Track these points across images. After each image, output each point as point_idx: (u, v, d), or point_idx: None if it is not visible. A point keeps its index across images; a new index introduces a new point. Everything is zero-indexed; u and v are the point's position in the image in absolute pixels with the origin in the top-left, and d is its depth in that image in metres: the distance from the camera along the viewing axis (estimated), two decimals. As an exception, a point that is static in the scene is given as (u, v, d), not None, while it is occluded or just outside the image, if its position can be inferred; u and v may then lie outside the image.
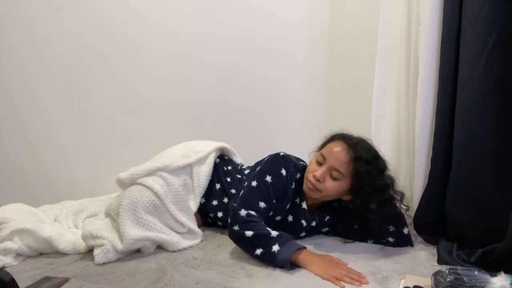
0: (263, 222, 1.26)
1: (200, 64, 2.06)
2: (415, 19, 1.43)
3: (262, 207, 1.30)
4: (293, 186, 1.38)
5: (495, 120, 1.17)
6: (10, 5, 1.96)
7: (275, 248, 1.17)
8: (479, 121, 1.19)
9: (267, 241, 1.19)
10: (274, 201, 1.33)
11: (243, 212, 1.25)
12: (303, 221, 1.40)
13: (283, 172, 1.35)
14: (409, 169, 1.53)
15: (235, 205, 1.28)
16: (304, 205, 1.40)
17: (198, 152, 1.54)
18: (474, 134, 1.21)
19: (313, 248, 1.34)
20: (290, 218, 1.40)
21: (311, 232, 1.45)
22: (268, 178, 1.33)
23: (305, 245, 1.23)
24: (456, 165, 1.28)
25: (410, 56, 1.46)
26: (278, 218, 1.39)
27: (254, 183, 1.33)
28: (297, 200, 1.40)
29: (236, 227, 1.24)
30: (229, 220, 1.26)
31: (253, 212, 1.26)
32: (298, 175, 1.40)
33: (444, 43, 1.32)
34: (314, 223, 1.42)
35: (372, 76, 1.60)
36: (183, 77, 2.07)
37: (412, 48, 1.44)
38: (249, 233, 1.20)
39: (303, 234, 1.43)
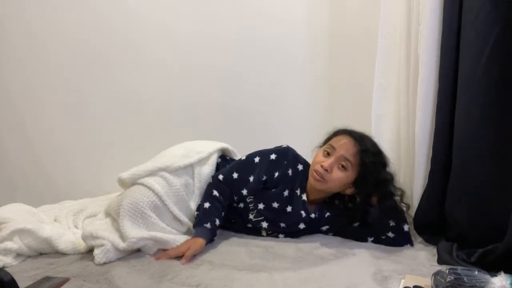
0: (216, 200, 1.41)
1: (200, 64, 2.06)
2: (415, 19, 1.43)
3: (234, 177, 1.43)
4: (290, 174, 1.42)
5: (495, 120, 1.17)
6: (10, 5, 1.97)
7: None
8: (479, 121, 1.19)
9: (200, 216, 1.38)
10: (251, 179, 1.42)
11: (220, 177, 1.44)
12: (302, 212, 1.42)
13: (272, 156, 1.44)
14: (409, 169, 1.53)
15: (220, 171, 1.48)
16: (304, 197, 1.43)
17: (200, 153, 1.53)
18: (474, 134, 1.21)
19: (319, 245, 1.36)
20: (289, 208, 1.42)
21: (311, 226, 1.45)
22: (256, 159, 1.45)
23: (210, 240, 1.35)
24: (456, 165, 1.28)
25: (410, 56, 1.46)
26: (276, 205, 1.42)
27: (242, 158, 1.49)
28: (297, 191, 1.43)
29: (206, 187, 1.46)
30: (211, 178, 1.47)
31: (222, 183, 1.43)
32: (300, 167, 1.45)
33: (444, 43, 1.32)
34: (313, 215, 1.43)
35: (372, 76, 1.60)
36: (183, 77, 2.07)
37: (412, 48, 1.44)
38: (205, 204, 1.39)
39: (302, 226, 1.43)
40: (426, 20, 1.35)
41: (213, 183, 1.45)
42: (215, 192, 1.41)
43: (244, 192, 1.43)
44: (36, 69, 2.01)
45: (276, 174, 1.43)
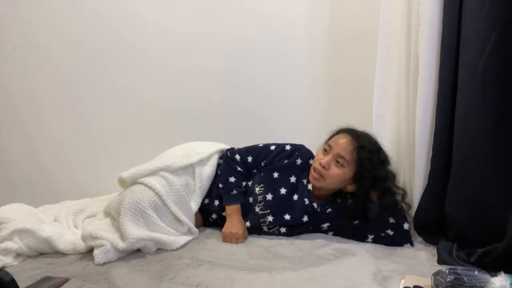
0: (240, 174, 1.54)
1: (201, 64, 2.06)
2: (415, 19, 1.43)
3: (249, 160, 1.54)
4: (298, 163, 1.49)
5: (495, 120, 1.17)
6: (9, 6, 1.97)
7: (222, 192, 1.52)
8: (479, 121, 1.19)
9: (227, 187, 1.51)
10: (263, 162, 1.53)
11: (237, 157, 1.55)
12: (306, 199, 1.45)
13: (287, 147, 1.53)
14: (409, 169, 1.53)
15: (236, 149, 1.58)
16: (309, 187, 1.47)
17: (200, 153, 1.55)
18: (474, 134, 1.21)
19: (319, 245, 1.34)
20: (295, 197, 1.46)
21: (313, 220, 1.46)
22: (272, 147, 1.55)
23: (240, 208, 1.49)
24: (456, 165, 1.28)
25: (410, 56, 1.46)
26: (283, 191, 1.46)
27: (260, 144, 1.58)
28: (304, 181, 1.48)
29: (225, 163, 1.56)
30: (228, 154, 1.57)
31: (239, 161, 1.55)
32: (311, 161, 1.50)
33: (444, 43, 1.32)
34: (315, 205, 1.46)
35: (372, 76, 1.60)
36: (183, 76, 2.07)
37: (412, 48, 1.44)
38: (231, 178, 1.52)
39: (305, 218, 1.45)
40: (426, 20, 1.35)
41: (234, 160, 1.55)
42: (239, 168, 1.53)
43: (254, 171, 1.55)
44: (36, 69, 2.01)
45: (285, 161, 1.50)
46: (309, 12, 2.01)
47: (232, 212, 1.47)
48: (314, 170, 1.42)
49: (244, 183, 1.52)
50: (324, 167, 1.39)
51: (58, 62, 2.02)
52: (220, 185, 1.52)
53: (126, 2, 2.01)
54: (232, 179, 1.51)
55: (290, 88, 2.08)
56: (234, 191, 1.49)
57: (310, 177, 1.45)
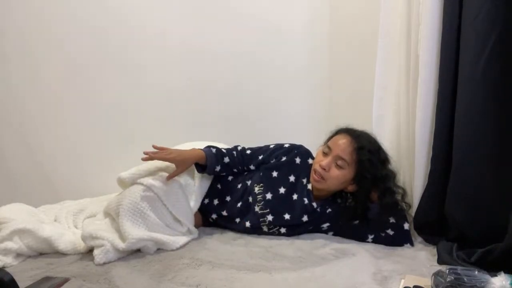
0: (232, 156, 1.54)
1: (201, 66, 2.07)
2: (415, 19, 1.43)
3: (247, 152, 1.56)
4: (298, 162, 1.50)
5: (495, 120, 1.17)
6: (9, 9, 1.97)
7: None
8: (479, 121, 1.20)
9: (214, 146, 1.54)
10: (260, 156, 1.53)
11: (239, 147, 1.58)
12: (305, 199, 1.45)
13: (286, 145, 1.54)
14: (409, 169, 1.53)
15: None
16: (309, 186, 1.48)
17: None
18: (474, 134, 1.21)
19: (319, 245, 1.34)
20: (295, 196, 1.46)
21: (313, 220, 1.46)
22: (271, 146, 1.56)
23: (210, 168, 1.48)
24: (456, 165, 1.28)
25: (410, 56, 1.46)
26: (282, 190, 1.46)
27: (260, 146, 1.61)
28: (304, 180, 1.49)
29: (231, 149, 1.57)
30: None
31: (238, 150, 1.57)
32: (310, 161, 1.51)
33: (444, 43, 1.32)
34: (315, 205, 1.45)
35: (372, 76, 1.61)
36: (184, 77, 2.07)
37: (412, 48, 1.44)
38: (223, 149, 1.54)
39: (305, 218, 1.45)
40: (426, 20, 1.35)
41: (235, 148, 1.57)
42: (235, 153, 1.54)
43: (252, 167, 1.55)
44: (37, 68, 2.02)
45: (284, 158, 1.50)
46: (309, 13, 2.01)
47: (194, 149, 1.47)
48: (315, 172, 1.42)
49: (226, 159, 1.50)
50: (324, 169, 1.39)
51: (59, 63, 2.02)
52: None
53: (129, 14, 2.02)
54: (223, 150, 1.52)
55: (290, 88, 2.08)
56: (214, 151, 1.49)
57: (311, 179, 1.45)
